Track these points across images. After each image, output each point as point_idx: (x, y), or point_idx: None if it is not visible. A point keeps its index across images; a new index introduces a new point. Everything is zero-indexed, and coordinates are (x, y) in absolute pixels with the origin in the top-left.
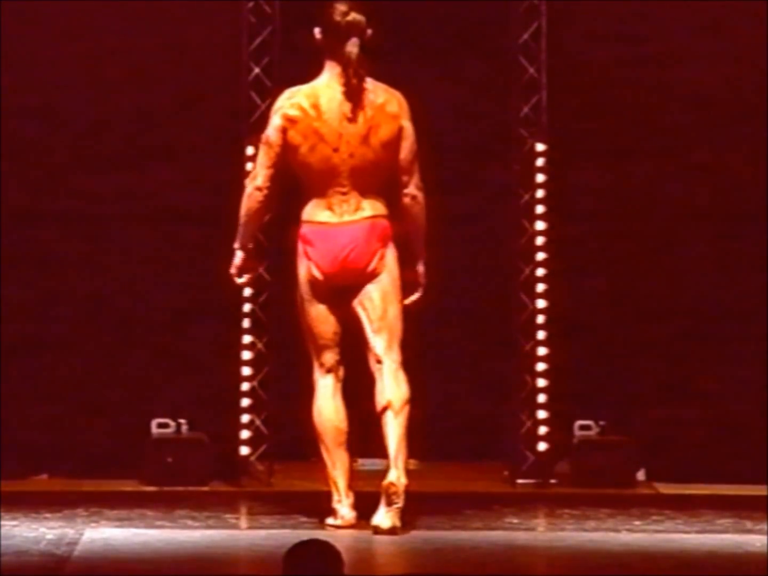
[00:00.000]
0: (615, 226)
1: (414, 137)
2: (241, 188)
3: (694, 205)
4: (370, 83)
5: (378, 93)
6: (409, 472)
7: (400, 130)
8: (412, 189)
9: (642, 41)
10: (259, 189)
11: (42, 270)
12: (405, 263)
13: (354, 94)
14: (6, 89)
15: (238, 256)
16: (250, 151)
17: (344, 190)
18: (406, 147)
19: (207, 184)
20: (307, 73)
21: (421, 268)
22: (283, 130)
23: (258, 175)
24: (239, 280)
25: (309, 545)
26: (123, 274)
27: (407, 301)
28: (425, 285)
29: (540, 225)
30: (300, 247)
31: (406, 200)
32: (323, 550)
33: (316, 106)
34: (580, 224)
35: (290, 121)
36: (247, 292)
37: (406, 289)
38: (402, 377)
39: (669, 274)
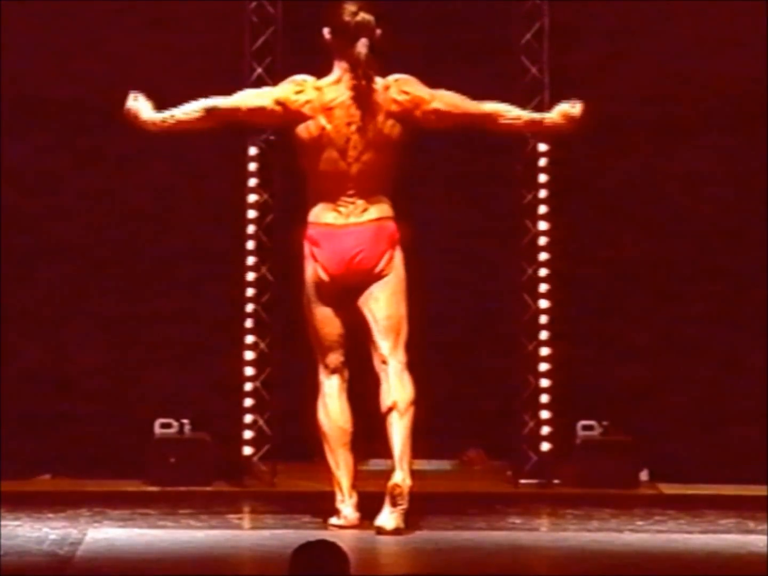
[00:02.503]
0: (618, 226)
1: (439, 100)
2: (243, 190)
3: (699, 205)
4: (379, 83)
5: (385, 94)
6: (412, 473)
7: (413, 120)
8: (489, 108)
9: (644, 40)
10: (206, 110)
11: (44, 270)
12: (537, 128)
13: (362, 97)
14: (5, 88)
15: (143, 110)
16: (252, 151)
17: (351, 192)
18: (445, 111)
19: (209, 184)
20: (310, 73)
21: (542, 116)
22: (294, 122)
23: (218, 100)
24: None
25: (316, 546)
26: (125, 274)
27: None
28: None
29: (543, 225)
30: (306, 248)
31: (497, 118)
32: (330, 550)
33: (326, 109)
34: (583, 224)
35: (301, 115)
36: (250, 292)
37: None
38: (407, 378)
39: (672, 275)
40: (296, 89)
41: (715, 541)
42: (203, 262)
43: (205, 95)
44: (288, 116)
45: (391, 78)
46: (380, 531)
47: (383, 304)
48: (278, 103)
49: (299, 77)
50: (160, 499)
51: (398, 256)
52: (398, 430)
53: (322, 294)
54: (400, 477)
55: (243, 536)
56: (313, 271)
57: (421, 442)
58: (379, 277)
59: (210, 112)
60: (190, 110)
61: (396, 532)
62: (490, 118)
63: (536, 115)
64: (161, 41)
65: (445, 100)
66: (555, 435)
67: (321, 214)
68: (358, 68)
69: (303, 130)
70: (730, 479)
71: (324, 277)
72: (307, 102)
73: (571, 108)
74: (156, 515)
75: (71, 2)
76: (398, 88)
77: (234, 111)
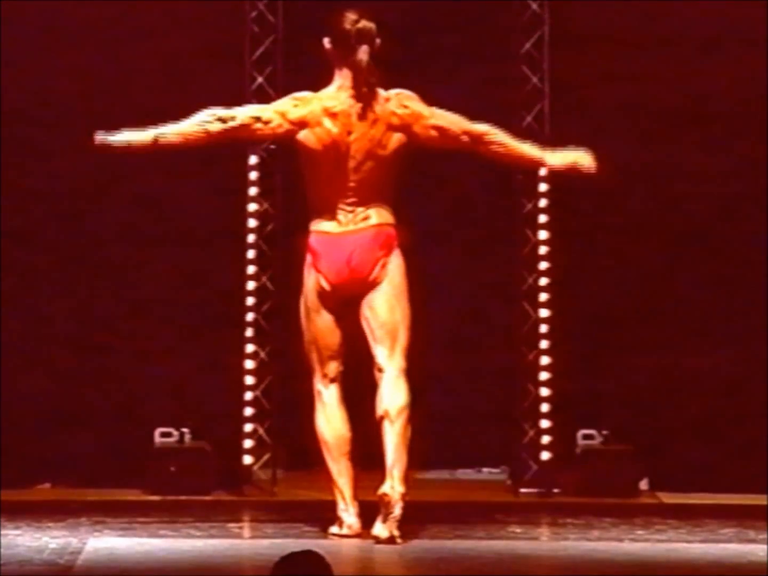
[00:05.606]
0: (618, 235)
1: (439, 117)
2: (243, 199)
3: (698, 213)
4: (380, 95)
5: (385, 105)
6: (407, 480)
7: (411, 135)
8: (482, 128)
9: (645, 50)
10: (220, 119)
11: (46, 282)
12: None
13: (363, 106)
14: (5, 90)
15: (133, 137)
16: (253, 160)
17: (350, 201)
18: (444, 128)
19: (209, 193)
20: (311, 82)
21: (541, 154)
22: (295, 131)
23: (231, 113)
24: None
25: (297, 557)
26: (126, 283)
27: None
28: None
29: (543, 234)
30: (308, 257)
31: (488, 138)
32: (311, 561)
33: (330, 114)
34: (584, 233)
35: (304, 122)
36: (251, 301)
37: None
38: (402, 384)
39: (672, 282)
40: (294, 103)
41: (716, 551)
42: (203, 271)
43: (206, 104)
44: (290, 125)
45: (393, 91)
46: (377, 540)
47: (379, 312)
48: (278, 113)
49: (299, 94)
50: (161, 508)
51: (394, 262)
52: (390, 438)
53: (324, 303)
54: (388, 486)
55: (243, 545)
56: (314, 280)
57: (421, 451)
58: (375, 284)
59: (208, 131)
60: (186, 130)
61: (390, 540)
62: (486, 137)
63: (536, 153)
64: (163, 50)
65: (446, 117)
66: (555, 444)
67: (321, 223)
68: (359, 75)
69: (309, 135)
70: (731, 488)
71: (325, 286)
72: (310, 111)
73: (580, 159)
74: (156, 524)
75: (69, 7)
76: (398, 101)
77: (235, 127)
